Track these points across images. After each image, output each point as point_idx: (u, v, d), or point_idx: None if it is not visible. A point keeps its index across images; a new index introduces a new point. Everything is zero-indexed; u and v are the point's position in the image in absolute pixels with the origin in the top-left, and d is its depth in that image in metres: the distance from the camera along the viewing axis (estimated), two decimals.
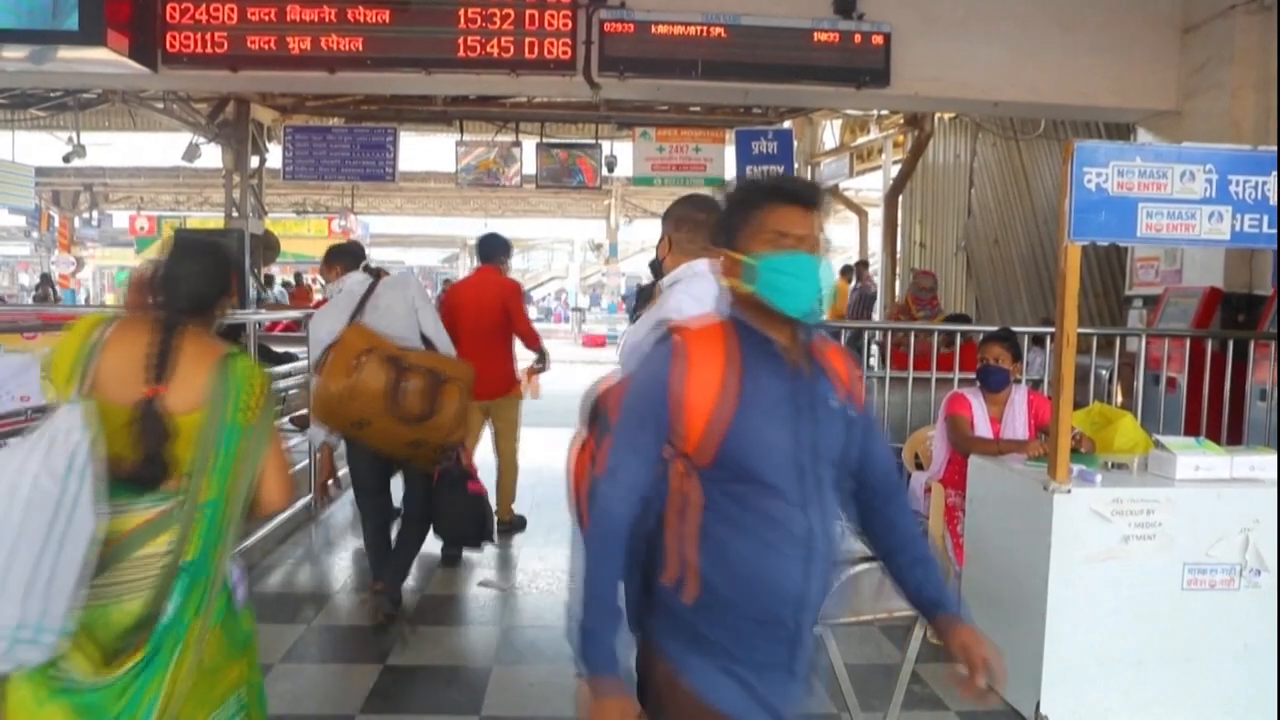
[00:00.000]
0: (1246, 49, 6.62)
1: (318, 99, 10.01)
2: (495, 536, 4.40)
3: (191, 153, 10.68)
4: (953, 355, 5.21)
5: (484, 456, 4.98)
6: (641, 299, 5.09)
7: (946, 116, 9.42)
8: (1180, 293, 6.47)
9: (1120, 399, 5.83)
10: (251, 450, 1.79)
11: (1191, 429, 5.32)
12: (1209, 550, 3.00)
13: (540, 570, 4.76)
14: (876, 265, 10.70)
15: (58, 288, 17.83)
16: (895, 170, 9.90)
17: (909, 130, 9.30)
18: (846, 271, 10.42)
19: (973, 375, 4.11)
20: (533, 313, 9.60)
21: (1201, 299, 6.16)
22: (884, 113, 9.56)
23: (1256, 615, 3.02)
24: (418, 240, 32.01)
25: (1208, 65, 6.83)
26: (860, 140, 11.27)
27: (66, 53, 6.13)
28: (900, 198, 9.67)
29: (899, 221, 9.73)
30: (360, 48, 6.29)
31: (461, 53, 6.29)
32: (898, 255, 9.79)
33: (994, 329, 4.13)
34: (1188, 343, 5.58)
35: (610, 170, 10.67)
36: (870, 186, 12.72)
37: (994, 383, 3.60)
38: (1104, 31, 6.89)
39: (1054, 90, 6.95)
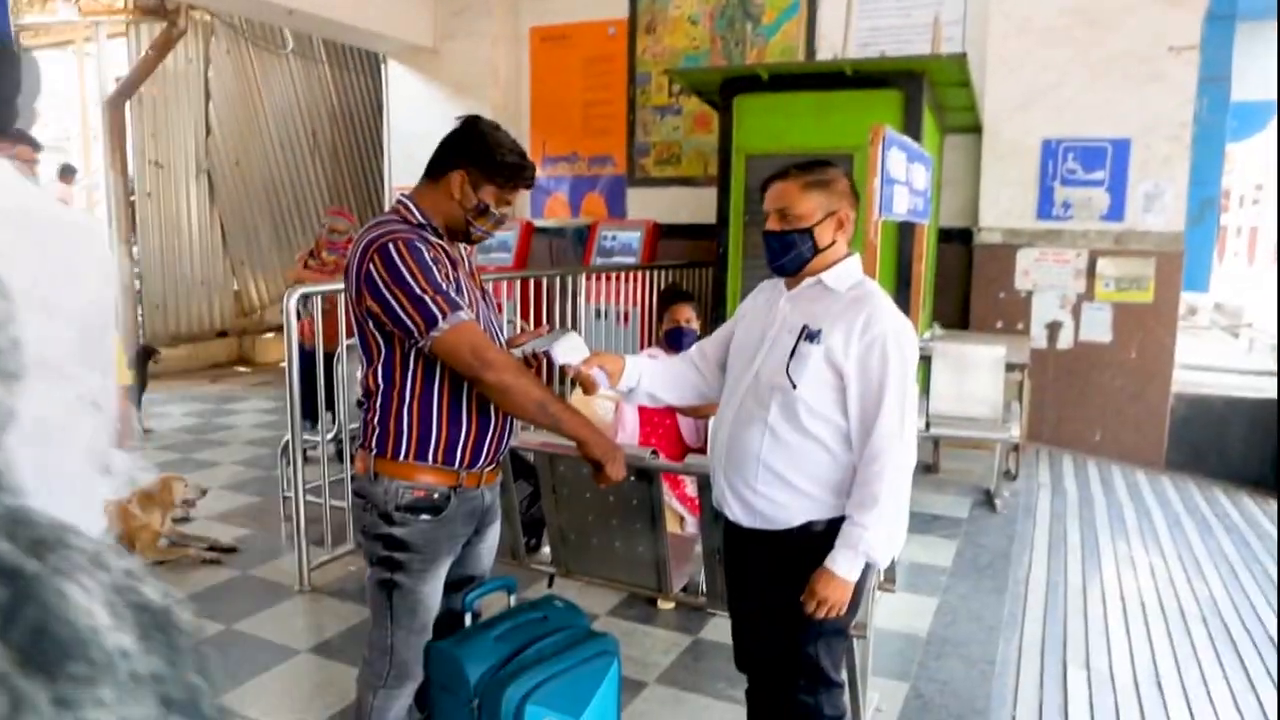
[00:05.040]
0: (504, 5, 7.72)
1: None
2: None
3: None
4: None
5: None
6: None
7: (195, 14, 8.29)
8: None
9: None
10: None
11: None
12: None
13: None
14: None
15: None
16: (111, 66, 8.29)
17: (147, 21, 7.88)
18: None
19: None
20: None
21: None
22: None
23: None
24: None
25: (466, 13, 7.71)
26: (37, 17, 9.03)
27: None
28: (128, 105, 8.18)
29: (128, 134, 8.23)
30: None
31: None
32: (130, 175, 8.30)
33: (676, 290, 4.00)
34: None
35: None
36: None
37: (686, 344, 3.61)
38: None
39: (347, 7, 6.91)
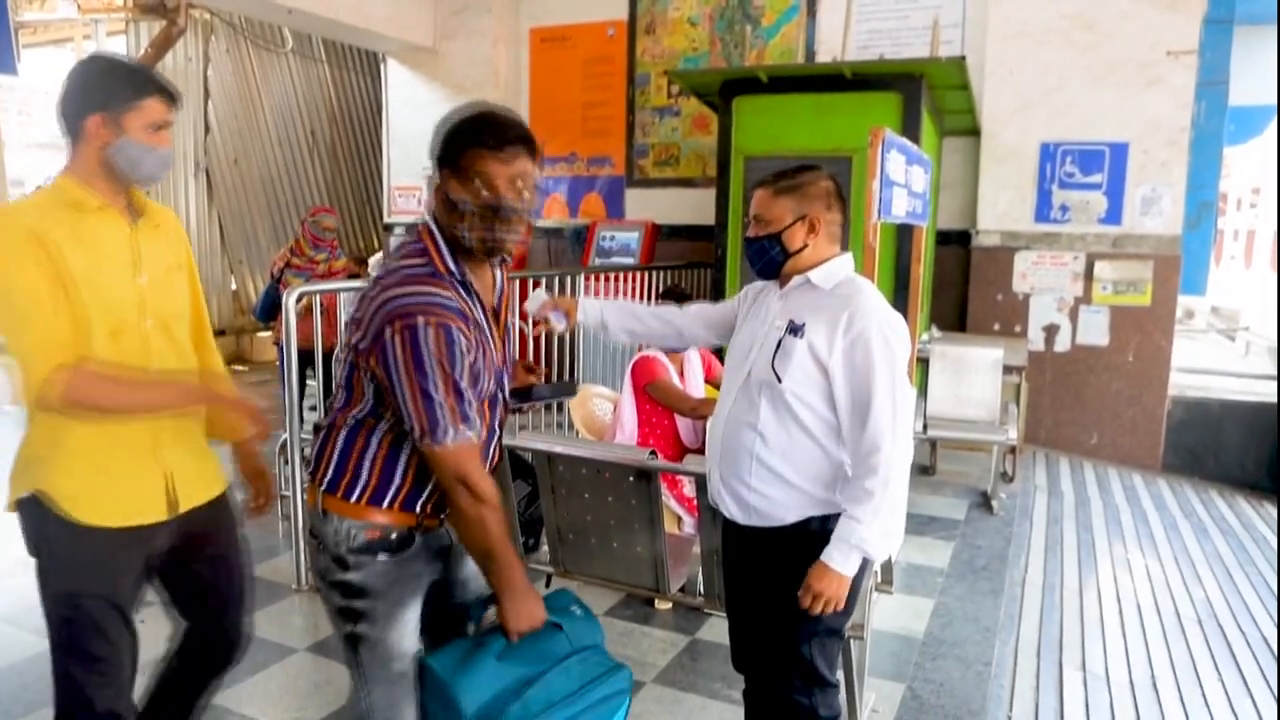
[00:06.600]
0: (503, 6, 7.72)
1: None
2: None
3: None
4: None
5: None
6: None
7: (194, 13, 8.28)
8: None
9: None
10: None
11: None
12: None
13: None
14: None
15: None
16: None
17: (146, 19, 7.88)
18: None
19: None
20: None
21: None
22: None
23: None
24: None
25: (466, 13, 7.72)
26: (36, 15, 9.01)
27: None
28: None
29: None
30: None
31: None
32: None
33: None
34: None
35: None
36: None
37: None
38: None
39: (347, 6, 6.91)
